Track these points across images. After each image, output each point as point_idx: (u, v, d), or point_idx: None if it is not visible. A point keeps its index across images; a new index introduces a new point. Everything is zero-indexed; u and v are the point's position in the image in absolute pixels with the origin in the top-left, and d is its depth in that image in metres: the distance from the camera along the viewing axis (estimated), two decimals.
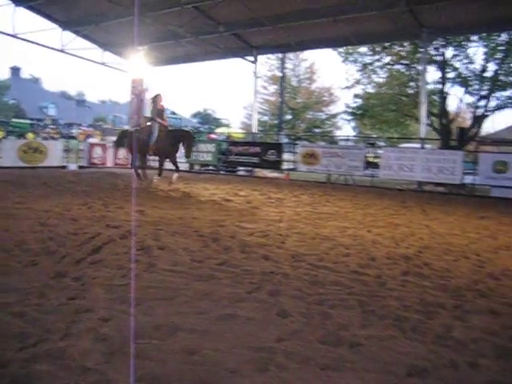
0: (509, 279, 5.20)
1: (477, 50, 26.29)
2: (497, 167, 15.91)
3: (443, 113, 25.41)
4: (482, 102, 24.87)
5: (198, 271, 4.84)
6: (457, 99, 25.96)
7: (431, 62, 24.40)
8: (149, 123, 13.55)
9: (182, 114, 43.65)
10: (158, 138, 13.16)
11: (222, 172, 22.59)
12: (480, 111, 25.05)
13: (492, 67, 24.55)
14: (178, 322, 3.48)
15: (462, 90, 25.46)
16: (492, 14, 17.36)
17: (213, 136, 28.79)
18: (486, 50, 24.44)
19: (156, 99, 13.49)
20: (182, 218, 8.01)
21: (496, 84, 24.39)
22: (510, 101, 24.73)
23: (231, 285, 4.46)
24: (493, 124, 32.12)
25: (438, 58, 25.14)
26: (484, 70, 24.67)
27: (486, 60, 24.48)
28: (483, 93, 24.81)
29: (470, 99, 25.85)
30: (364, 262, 5.55)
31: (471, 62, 25.01)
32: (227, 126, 37.63)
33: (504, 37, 23.72)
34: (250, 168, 22.63)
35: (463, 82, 25.11)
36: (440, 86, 25.60)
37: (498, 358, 3.20)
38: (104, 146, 22.12)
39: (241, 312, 3.77)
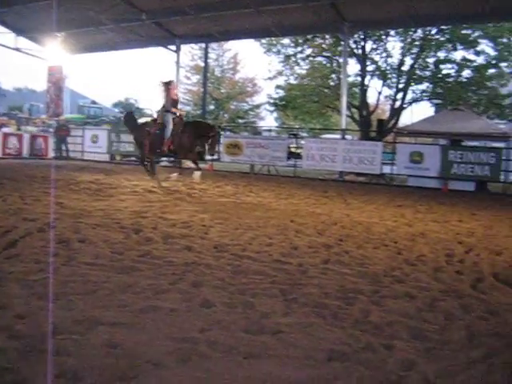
0: (424, 264, 5.43)
1: (395, 45, 27.14)
2: (413, 158, 16.56)
3: (363, 105, 26.16)
4: (400, 95, 25.81)
5: (119, 263, 4.74)
6: (376, 92, 26.71)
7: (352, 54, 25.02)
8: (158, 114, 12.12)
9: (102, 103, 42.51)
10: (173, 132, 11.67)
11: (145, 163, 22.17)
12: (398, 103, 25.97)
13: (409, 61, 25.52)
14: (99, 316, 3.40)
15: (381, 82, 26.30)
16: (408, 11, 17.98)
17: None
18: (403, 44, 25.33)
19: (169, 86, 11.99)
20: (103, 209, 7.82)
21: (412, 78, 25.34)
22: (425, 94, 25.78)
23: (153, 276, 4.40)
24: (411, 116, 33.23)
25: (359, 52, 25.80)
26: (401, 64, 25.58)
27: (403, 54, 25.37)
28: (401, 86, 25.72)
29: (388, 92, 26.75)
30: (286, 251, 5.63)
31: (389, 56, 25.90)
32: (150, 115, 37.01)
33: (420, 32, 24.67)
34: (173, 159, 22.39)
35: (382, 75, 25.94)
36: (360, 79, 26.31)
37: (412, 339, 3.33)
38: (20, 135, 21.22)
39: (163, 303, 3.72)
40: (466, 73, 24.85)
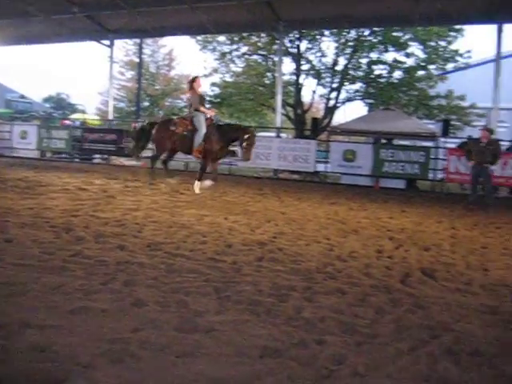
0: (355, 261, 5.56)
1: (329, 45, 27.63)
2: (346, 156, 16.91)
3: (298, 103, 26.46)
4: (334, 94, 26.25)
5: (49, 264, 4.59)
6: (311, 90, 27.11)
7: (287, 53, 25.24)
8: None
9: (32, 98, 41.10)
10: (205, 135, 10.79)
11: (76, 160, 21.67)
12: (332, 102, 26.42)
13: (342, 61, 25.98)
14: (27, 319, 3.27)
15: (316, 81, 26.67)
16: (343, 12, 18.33)
17: (66, 122, 27.48)
18: (337, 45, 25.77)
19: (194, 83, 11.11)
20: (32, 208, 7.55)
21: (346, 77, 25.84)
22: (358, 93, 26.35)
23: (84, 276, 4.29)
24: (344, 115, 33.90)
25: (294, 51, 26.08)
26: (335, 63, 26.01)
27: (337, 54, 25.81)
28: (335, 85, 26.17)
29: (322, 91, 27.15)
30: (220, 249, 5.63)
31: (324, 56, 26.28)
32: (83, 111, 36.08)
33: (353, 33, 25.17)
34: (106, 156, 21.97)
35: (316, 74, 26.30)
36: (295, 78, 26.60)
37: (343, 334, 3.40)
38: None
39: (94, 304, 3.64)
40: (397, 74, 25.56)
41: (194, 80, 11.22)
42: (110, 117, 23.61)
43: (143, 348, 2.99)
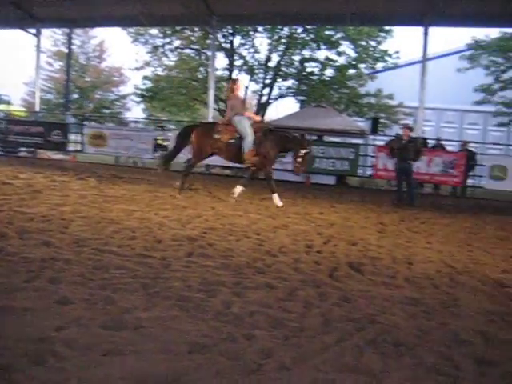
0: (284, 255, 5.62)
1: (262, 41, 27.79)
2: None
3: None
4: (266, 90, 26.44)
5: None
6: (244, 86, 27.10)
7: (220, 48, 25.19)
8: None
9: None
10: (256, 141, 10.06)
11: (0, 153, 20.80)
12: (264, 99, 26.60)
13: (275, 58, 26.20)
14: None
15: (249, 77, 26.78)
16: (276, 9, 18.44)
17: None
18: (270, 41, 25.95)
19: (235, 86, 10.37)
20: None
21: (278, 74, 26.08)
22: (290, 90, 26.65)
23: (6, 274, 4.13)
24: (276, 111, 34.19)
25: (227, 46, 26.05)
26: (268, 60, 26.19)
27: (270, 51, 26.00)
28: (267, 81, 26.36)
29: (255, 87, 27.30)
30: (150, 245, 5.55)
31: (257, 52, 26.41)
32: (8, 102, 34.68)
33: (286, 30, 25.42)
34: (32, 149, 21.22)
35: (249, 70, 26.39)
36: (228, 73, 26.58)
37: (271, 328, 3.44)
38: None
39: (17, 303, 3.50)
40: (329, 72, 26.07)
41: (234, 83, 10.51)
42: (37, 108, 22.79)
43: (68, 347, 2.91)
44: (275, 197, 10.08)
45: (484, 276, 5.44)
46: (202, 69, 27.16)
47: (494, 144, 24.46)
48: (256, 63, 26.56)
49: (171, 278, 4.37)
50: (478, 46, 23.54)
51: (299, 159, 10.06)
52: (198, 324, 3.38)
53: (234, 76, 9.72)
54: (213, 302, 3.84)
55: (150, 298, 3.84)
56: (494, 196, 16.53)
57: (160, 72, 28.81)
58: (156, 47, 27.48)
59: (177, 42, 27.49)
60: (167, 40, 27.23)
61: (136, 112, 45.18)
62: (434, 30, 18.18)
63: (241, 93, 10.57)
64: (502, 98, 23.51)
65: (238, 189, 10.33)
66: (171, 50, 27.83)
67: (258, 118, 10.64)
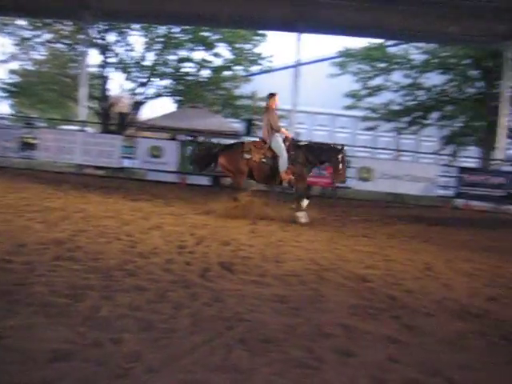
0: (156, 257, 5.56)
1: (138, 39, 27.22)
2: (153, 152, 16.86)
3: (104, 97, 25.71)
4: (142, 89, 25.99)
5: None
6: (118, 84, 26.51)
7: (93, 45, 24.38)
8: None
9: None
10: (290, 159, 9.60)
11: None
12: (140, 98, 26.13)
13: (151, 57, 25.83)
14: None
15: (124, 75, 26.17)
16: (153, 7, 18.21)
17: None
18: (146, 39, 25.55)
19: (272, 101, 9.86)
20: None
21: (154, 73, 25.74)
22: (166, 90, 26.42)
23: None
24: (151, 110, 33.77)
25: (101, 42, 25.26)
26: (143, 58, 25.76)
27: (146, 49, 25.60)
28: (143, 80, 25.92)
29: (130, 85, 26.73)
30: (12, 249, 5.22)
31: (132, 50, 25.88)
32: None
33: (162, 30, 25.18)
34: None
35: (124, 68, 25.80)
36: (102, 70, 25.80)
37: (140, 331, 3.39)
38: None
39: None
40: (205, 73, 26.16)
41: (272, 97, 9.93)
42: None
43: None
44: (300, 214, 9.68)
45: (349, 272, 5.73)
46: (74, 65, 26.07)
47: (362, 147, 25.90)
48: (131, 61, 25.99)
49: (35, 283, 4.16)
50: (347, 54, 24.79)
51: (340, 166, 9.78)
52: (62, 330, 3.26)
53: (272, 91, 8.99)
54: (80, 307, 3.72)
55: (11, 305, 3.63)
56: (363, 196, 17.51)
57: (29, 66, 27.26)
58: (24, 39, 25.93)
59: (48, 36, 26.12)
60: (37, 32, 25.78)
61: (3, 108, 42.35)
62: (307, 37, 18.93)
63: (276, 108, 10.02)
64: (370, 104, 24.94)
65: (300, 216, 9.68)
66: (41, 44, 26.41)
67: (290, 135, 10.18)
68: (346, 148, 10.19)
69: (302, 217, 9.64)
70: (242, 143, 10.09)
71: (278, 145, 9.66)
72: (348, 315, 4.15)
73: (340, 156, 9.78)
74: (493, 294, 5.34)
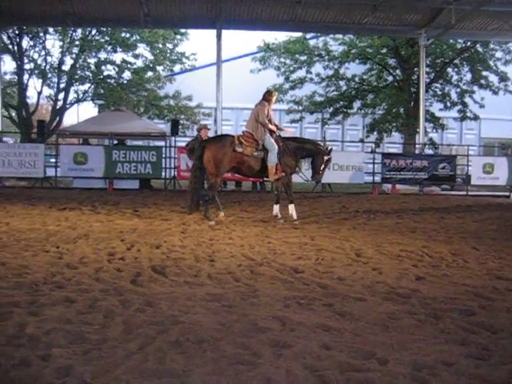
0: (86, 266, 5.42)
1: (54, 43, 26.29)
2: (77, 159, 16.43)
3: (22, 105, 24.74)
4: (62, 95, 25.20)
5: None
6: (36, 91, 25.50)
7: (6, 51, 23.44)
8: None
9: None
10: (280, 151, 9.40)
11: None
12: (60, 104, 25.32)
13: (70, 61, 25.10)
14: None
15: (41, 82, 25.26)
16: (67, 9, 17.71)
17: None
18: (62, 43, 24.78)
19: (269, 97, 9.70)
20: None
21: (74, 78, 25.01)
22: (87, 94, 25.74)
23: None
24: (76, 116, 32.77)
25: (14, 48, 24.28)
26: (61, 63, 24.97)
27: (63, 53, 24.84)
28: (62, 86, 25.13)
29: (49, 92, 25.87)
30: None
31: (49, 55, 25.04)
32: None
33: (79, 32, 24.51)
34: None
35: (41, 74, 24.92)
36: (17, 77, 24.82)
37: (70, 344, 3.28)
38: None
39: None
40: (127, 75, 25.69)
41: (269, 94, 9.83)
42: None
43: None
44: (292, 208, 9.75)
45: (281, 264, 5.80)
46: None
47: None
48: (48, 67, 25.13)
49: None
50: (268, 49, 24.96)
51: (323, 166, 9.87)
52: None
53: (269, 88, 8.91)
54: (4, 326, 3.56)
55: None
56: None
57: None
58: None
59: None
60: None
61: None
62: (227, 33, 18.94)
63: (270, 105, 9.78)
64: (293, 97, 25.23)
65: (292, 209, 9.75)
66: None
67: (275, 128, 9.83)
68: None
69: (293, 210, 9.75)
70: (232, 136, 9.79)
71: (268, 139, 9.52)
72: (282, 307, 4.20)
73: (326, 158, 9.90)
74: (420, 273, 5.53)
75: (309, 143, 10.47)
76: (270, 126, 9.57)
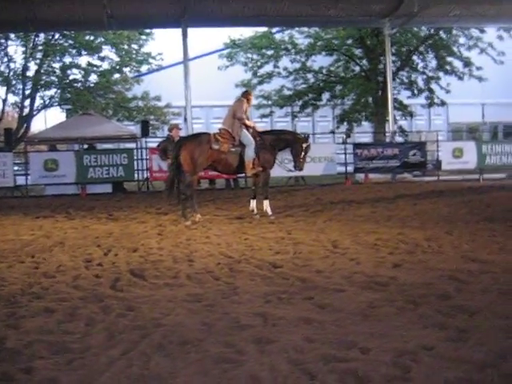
0: (63, 275, 5.38)
1: (16, 49, 25.79)
2: (48, 166, 16.22)
3: None
4: (28, 102, 24.83)
5: None
6: (1, 99, 25.05)
7: None
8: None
9: None
10: (257, 146, 9.49)
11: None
12: (27, 111, 24.96)
13: (34, 67, 24.73)
14: None
15: (5, 89, 24.86)
16: (26, 14, 17.41)
17: None
18: (25, 49, 24.40)
19: (248, 95, 10.00)
20: None
21: (39, 83, 24.66)
22: (54, 99, 25.40)
23: None
24: (45, 123, 32.25)
25: None
26: (26, 69, 24.59)
27: (27, 59, 24.46)
28: (27, 92, 24.77)
29: (14, 99, 25.46)
30: None
31: (12, 61, 24.63)
32: None
33: (42, 37, 24.16)
34: None
35: (5, 80, 24.53)
36: None
37: (53, 355, 3.25)
38: None
39: None
40: (93, 78, 25.40)
41: (248, 93, 10.28)
42: None
43: None
44: (266, 203, 9.81)
45: (260, 260, 5.84)
46: None
47: None
48: (12, 73, 24.71)
49: None
50: (234, 45, 24.91)
51: (303, 154, 9.95)
52: None
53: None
54: None
55: None
56: None
57: None
58: None
59: None
60: None
61: None
62: (193, 31, 18.83)
63: (246, 103, 9.86)
64: (262, 92, 25.24)
65: (266, 205, 9.81)
66: None
67: (252, 124, 10.03)
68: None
69: (267, 206, 9.81)
70: (208, 134, 9.86)
71: (245, 134, 9.59)
72: (263, 303, 4.23)
73: (305, 145, 10.00)
74: (397, 261, 5.62)
75: (285, 133, 10.61)
76: (247, 121, 9.70)
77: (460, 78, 24.16)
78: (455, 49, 24.06)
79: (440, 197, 12.68)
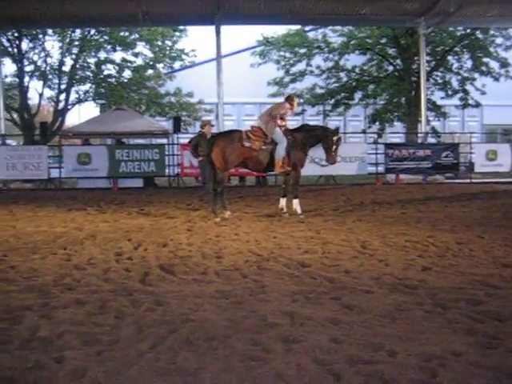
0: (94, 267, 5.47)
1: (54, 44, 26.25)
2: (81, 159, 16.48)
3: (24, 107, 24.80)
4: (63, 96, 25.24)
5: None
6: (37, 93, 25.53)
7: (6, 53, 23.47)
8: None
9: None
10: (289, 144, 9.47)
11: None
12: (62, 105, 25.37)
13: (70, 62, 25.13)
14: None
15: (42, 83, 25.31)
16: (65, 10, 17.70)
17: None
18: (61, 44, 24.80)
19: (291, 101, 9.91)
20: None
21: (74, 78, 25.05)
22: (88, 94, 25.78)
23: None
24: (78, 117, 32.73)
25: (14, 51, 24.32)
26: (62, 64, 25.01)
27: (63, 54, 24.86)
28: (63, 87, 25.18)
29: (50, 93, 25.92)
30: None
31: (49, 56, 25.08)
32: None
33: (78, 33, 24.52)
34: None
35: (42, 75, 24.97)
36: (18, 80, 24.87)
37: (83, 346, 3.31)
38: None
39: None
40: (127, 73, 25.73)
41: (291, 98, 10.11)
42: None
43: None
44: (296, 202, 9.76)
45: (288, 259, 5.83)
46: None
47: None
48: (49, 68, 25.16)
49: None
50: (267, 43, 24.91)
51: (334, 147, 9.82)
52: (1, 357, 3.14)
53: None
54: (17, 330, 3.61)
55: None
56: None
57: None
58: None
59: None
60: None
61: None
62: (226, 29, 18.91)
63: (289, 107, 9.93)
64: (294, 90, 25.19)
65: (296, 204, 9.77)
66: None
67: (283, 123, 9.88)
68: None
69: (297, 205, 9.74)
70: (240, 131, 9.84)
71: (278, 132, 9.57)
72: (290, 302, 4.22)
73: (336, 138, 9.87)
74: (426, 264, 5.55)
75: (315, 129, 10.44)
76: (279, 120, 9.63)
77: (496, 79, 23.73)
78: (492, 49, 23.64)
79: (472, 200, 12.48)
